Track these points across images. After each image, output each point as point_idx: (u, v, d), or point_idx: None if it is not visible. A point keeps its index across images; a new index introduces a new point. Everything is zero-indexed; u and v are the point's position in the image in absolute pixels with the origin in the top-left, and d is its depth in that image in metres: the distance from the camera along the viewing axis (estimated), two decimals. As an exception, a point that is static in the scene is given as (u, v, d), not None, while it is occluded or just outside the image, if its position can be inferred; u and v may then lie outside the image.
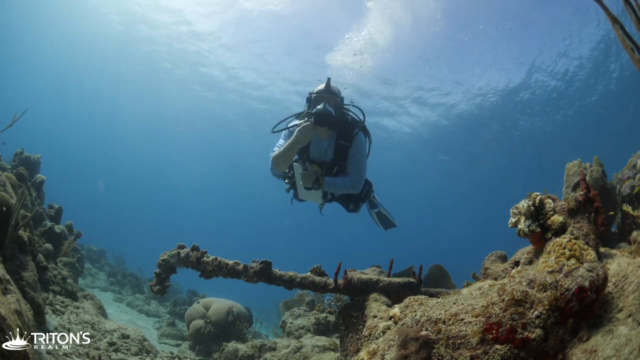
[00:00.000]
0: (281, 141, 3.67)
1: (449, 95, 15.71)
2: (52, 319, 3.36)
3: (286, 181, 3.91)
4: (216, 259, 3.10)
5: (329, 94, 3.44)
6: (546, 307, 1.13)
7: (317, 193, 3.61)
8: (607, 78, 13.25)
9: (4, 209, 2.70)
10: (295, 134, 3.32)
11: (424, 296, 1.79)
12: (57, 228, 4.84)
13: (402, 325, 1.48)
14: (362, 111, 3.72)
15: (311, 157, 3.63)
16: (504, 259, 2.26)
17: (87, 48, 18.66)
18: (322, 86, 3.51)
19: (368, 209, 4.67)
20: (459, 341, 1.21)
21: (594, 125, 15.95)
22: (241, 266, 3.03)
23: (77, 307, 4.03)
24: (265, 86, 17.70)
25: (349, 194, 3.76)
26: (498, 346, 1.13)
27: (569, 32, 11.84)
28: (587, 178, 2.43)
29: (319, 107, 3.32)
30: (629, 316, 1.11)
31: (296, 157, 3.65)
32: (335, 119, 3.35)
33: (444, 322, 1.30)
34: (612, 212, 2.49)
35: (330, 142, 3.58)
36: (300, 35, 14.08)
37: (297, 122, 3.58)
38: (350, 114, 3.71)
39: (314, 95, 3.48)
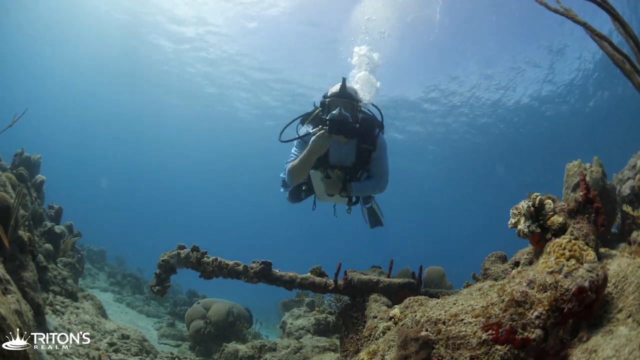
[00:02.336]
0: (294, 150, 3.41)
1: (452, 97, 15.72)
2: (52, 319, 3.36)
3: (302, 187, 3.73)
4: (216, 259, 3.10)
5: (344, 97, 3.13)
6: (546, 308, 1.13)
7: (342, 198, 3.45)
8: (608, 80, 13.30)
9: (4, 209, 2.70)
10: (310, 144, 3.04)
11: (423, 297, 1.80)
12: (57, 228, 4.84)
13: (402, 325, 1.48)
14: (379, 109, 3.48)
15: (331, 163, 3.38)
16: (504, 259, 2.26)
17: (89, 48, 18.67)
18: (336, 88, 3.16)
19: (361, 203, 4.43)
20: (459, 341, 1.21)
21: (593, 126, 15.97)
22: (241, 267, 3.03)
23: (77, 308, 4.03)
24: (269, 88, 17.70)
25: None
26: (498, 346, 1.13)
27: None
28: (587, 178, 2.42)
29: (333, 112, 3.01)
30: (629, 316, 1.11)
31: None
32: (352, 127, 3.07)
33: (444, 323, 1.30)
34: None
35: (350, 146, 3.33)
36: (310, 34, 14.00)
37: (308, 128, 3.32)
38: (367, 111, 3.45)
39: (328, 99, 3.17)
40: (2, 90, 23.81)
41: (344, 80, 3.13)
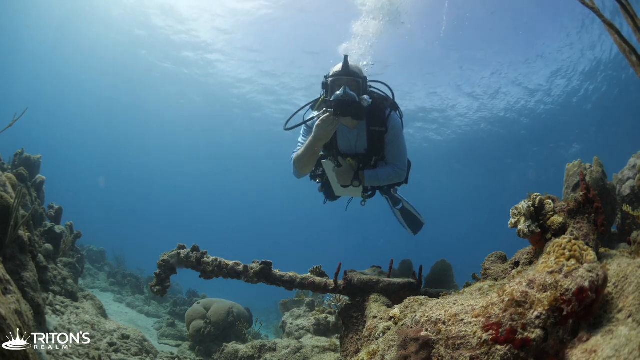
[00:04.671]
0: (300, 138, 3.16)
1: (456, 99, 15.73)
2: (52, 319, 3.36)
3: (317, 181, 3.47)
4: (216, 259, 3.10)
5: (348, 75, 2.82)
6: (546, 308, 1.13)
7: (357, 189, 3.21)
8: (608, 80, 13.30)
9: (4, 208, 2.70)
10: (314, 129, 2.77)
11: (423, 297, 1.80)
12: (57, 228, 4.84)
13: (402, 325, 1.48)
14: (388, 87, 3.21)
15: (341, 151, 3.10)
16: (504, 259, 2.26)
17: (88, 48, 18.69)
18: (339, 66, 2.87)
19: (391, 207, 4.13)
20: (459, 341, 1.21)
21: (594, 126, 15.97)
22: (241, 267, 3.03)
23: (77, 308, 4.03)
24: (270, 85, 17.69)
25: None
26: (498, 346, 1.13)
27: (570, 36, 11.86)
28: (587, 178, 2.43)
29: (337, 92, 2.75)
30: (629, 316, 1.11)
31: (322, 152, 3.11)
32: (359, 106, 2.79)
33: (444, 323, 1.30)
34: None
35: (360, 130, 3.03)
36: (307, 33, 13.98)
37: (314, 113, 3.04)
38: (375, 90, 3.15)
39: (330, 79, 2.87)
40: (2, 90, 23.83)
41: (346, 57, 2.83)
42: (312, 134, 2.81)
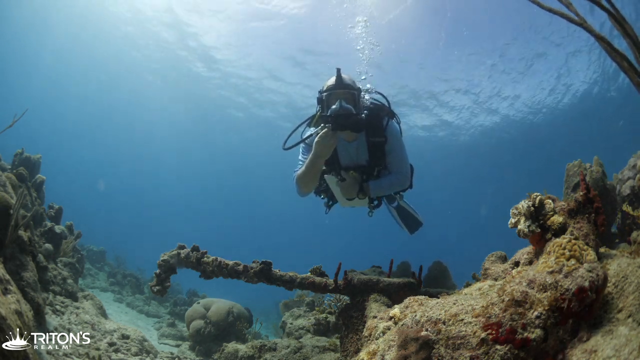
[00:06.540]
0: (300, 156, 3.12)
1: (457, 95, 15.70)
2: (52, 319, 3.36)
3: (322, 196, 3.46)
4: (216, 259, 3.10)
5: (343, 88, 2.80)
6: (546, 308, 1.13)
7: (363, 200, 3.19)
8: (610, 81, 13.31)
9: (4, 209, 2.70)
10: (314, 146, 2.73)
11: (424, 297, 1.79)
12: (57, 228, 4.84)
13: (402, 325, 1.48)
14: (383, 95, 3.19)
15: (343, 165, 3.09)
16: (504, 259, 2.25)
17: (88, 49, 18.68)
18: (332, 80, 2.84)
19: (386, 205, 4.00)
20: (459, 341, 1.21)
21: (594, 125, 15.97)
22: (241, 266, 3.03)
23: (77, 308, 4.03)
24: (269, 86, 17.69)
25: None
26: (498, 346, 1.13)
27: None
28: (587, 178, 2.43)
29: (333, 107, 2.72)
30: (629, 316, 1.11)
31: (324, 167, 3.08)
32: (357, 118, 2.75)
33: (444, 323, 1.30)
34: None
35: (359, 142, 3.02)
36: (309, 37, 13.95)
37: (311, 130, 3.01)
38: (371, 99, 3.15)
39: (325, 93, 2.84)
40: (2, 91, 23.83)
41: (338, 70, 2.81)
42: (312, 152, 2.77)
